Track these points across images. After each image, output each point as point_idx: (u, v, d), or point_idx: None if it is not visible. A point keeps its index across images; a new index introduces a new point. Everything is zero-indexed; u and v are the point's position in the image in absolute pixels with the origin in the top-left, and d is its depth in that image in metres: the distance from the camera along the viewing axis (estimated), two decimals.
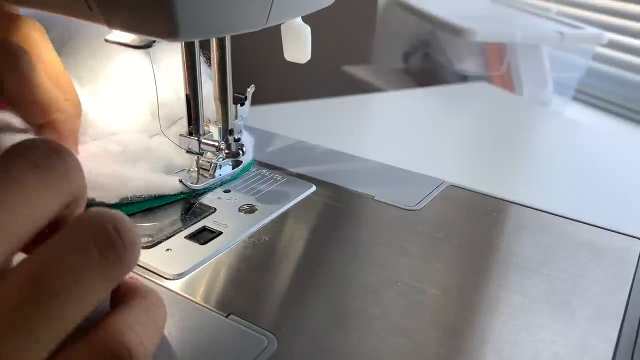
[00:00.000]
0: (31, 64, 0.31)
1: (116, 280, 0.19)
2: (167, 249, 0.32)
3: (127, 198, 0.35)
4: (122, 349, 0.19)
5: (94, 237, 0.18)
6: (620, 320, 0.29)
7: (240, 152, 0.40)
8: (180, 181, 0.37)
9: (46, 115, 0.32)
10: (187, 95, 0.37)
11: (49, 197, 0.18)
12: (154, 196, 0.36)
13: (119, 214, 0.19)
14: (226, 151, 0.39)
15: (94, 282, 0.18)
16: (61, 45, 0.38)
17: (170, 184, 0.37)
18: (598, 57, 1.32)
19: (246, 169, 0.42)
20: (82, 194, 0.20)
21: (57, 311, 0.17)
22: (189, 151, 0.39)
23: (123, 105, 0.39)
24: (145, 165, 0.37)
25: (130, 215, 0.35)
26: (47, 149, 0.19)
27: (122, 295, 0.21)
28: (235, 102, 0.39)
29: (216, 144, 0.38)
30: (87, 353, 0.18)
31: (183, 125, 0.39)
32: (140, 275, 0.30)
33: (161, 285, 0.30)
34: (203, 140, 0.38)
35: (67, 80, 0.34)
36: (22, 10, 0.33)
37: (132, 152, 0.38)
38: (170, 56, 0.41)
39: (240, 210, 0.37)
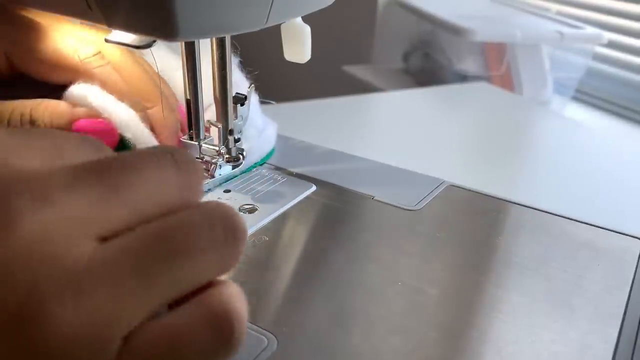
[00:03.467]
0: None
1: (226, 266, 0.20)
2: None
3: None
4: (230, 314, 0.19)
5: (221, 217, 0.20)
6: (620, 320, 0.29)
7: (241, 156, 0.40)
8: None
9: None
10: (187, 100, 0.37)
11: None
12: None
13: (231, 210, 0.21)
14: (226, 155, 0.39)
15: (211, 256, 0.19)
16: None
17: None
18: (598, 57, 1.32)
19: (267, 157, 0.43)
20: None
21: (173, 269, 0.18)
22: None
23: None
24: None
25: None
26: (190, 155, 0.21)
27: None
28: (235, 102, 0.39)
29: (216, 148, 0.38)
30: (193, 312, 0.19)
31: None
32: None
33: None
34: (203, 145, 0.38)
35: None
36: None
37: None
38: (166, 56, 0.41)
39: (240, 210, 0.37)
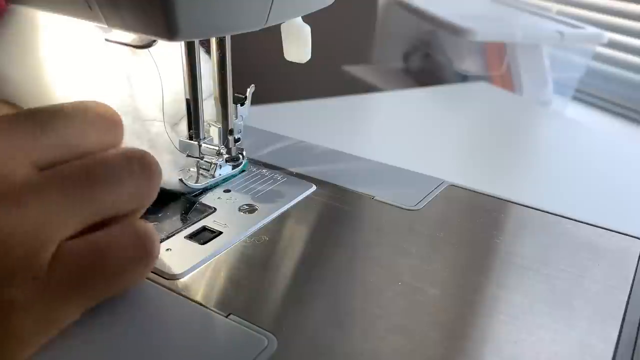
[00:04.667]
0: None
1: (142, 197, 0.25)
2: (167, 249, 0.32)
3: None
4: (150, 232, 0.25)
5: (137, 155, 0.25)
6: (620, 320, 0.29)
7: (240, 156, 0.40)
8: (181, 180, 0.37)
9: None
10: (187, 100, 0.37)
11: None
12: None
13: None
14: (226, 155, 0.39)
15: (129, 185, 0.24)
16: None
17: (170, 182, 0.37)
18: (598, 57, 1.32)
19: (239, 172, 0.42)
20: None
21: (95, 193, 0.23)
22: (189, 155, 0.39)
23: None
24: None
25: None
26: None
27: None
28: (235, 102, 0.39)
29: (216, 148, 0.38)
30: (120, 230, 0.24)
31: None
32: None
33: (161, 285, 0.30)
34: (203, 145, 0.38)
35: None
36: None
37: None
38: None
39: (240, 210, 0.37)
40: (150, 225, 0.25)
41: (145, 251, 0.24)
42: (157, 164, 0.25)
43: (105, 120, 0.25)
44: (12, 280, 0.21)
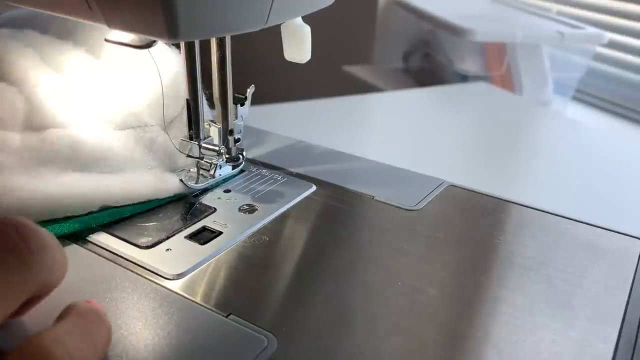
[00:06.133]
0: None
1: (32, 282, 0.19)
2: (167, 249, 0.32)
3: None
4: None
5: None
6: (620, 320, 0.29)
7: (240, 156, 0.40)
8: (181, 181, 0.37)
9: None
10: (187, 100, 0.37)
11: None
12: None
13: (22, 219, 0.20)
14: (226, 155, 0.39)
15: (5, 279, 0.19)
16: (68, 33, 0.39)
17: (171, 184, 0.37)
18: (598, 57, 1.32)
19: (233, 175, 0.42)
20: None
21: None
22: (189, 155, 0.39)
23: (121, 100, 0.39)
24: (148, 164, 0.37)
25: (135, 214, 0.35)
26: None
27: (59, 315, 0.22)
28: (235, 102, 0.39)
29: (217, 148, 0.38)
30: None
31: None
32: (140, 275, 0.30)
33: (161, 285, 0.30)
34: (203, 145, 0.38)
35: None
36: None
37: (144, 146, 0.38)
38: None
39: (240, 210, 0.37)
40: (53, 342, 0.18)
41: None
42: (36, 229, 0.19)
43: None
44: None
